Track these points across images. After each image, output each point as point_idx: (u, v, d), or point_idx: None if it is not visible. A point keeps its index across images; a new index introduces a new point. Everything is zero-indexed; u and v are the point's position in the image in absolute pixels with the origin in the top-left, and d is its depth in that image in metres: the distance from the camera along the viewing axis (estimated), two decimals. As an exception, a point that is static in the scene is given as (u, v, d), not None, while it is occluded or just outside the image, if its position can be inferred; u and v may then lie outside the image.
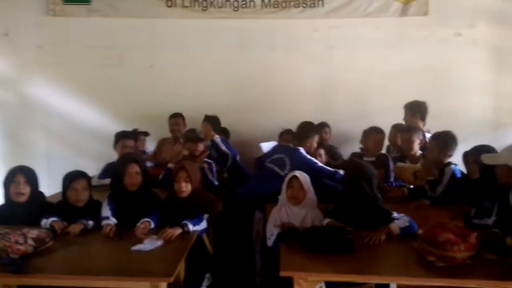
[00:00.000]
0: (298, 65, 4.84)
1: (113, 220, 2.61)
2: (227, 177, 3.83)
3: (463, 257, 2.00)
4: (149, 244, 2.32)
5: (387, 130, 3.89)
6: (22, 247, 2.07)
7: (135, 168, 2.79)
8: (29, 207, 2.69)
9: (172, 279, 1.96)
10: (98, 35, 4.84)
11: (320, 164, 3.45)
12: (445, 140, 3.09)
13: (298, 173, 2.84)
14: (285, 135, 4.36)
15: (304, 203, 2.79)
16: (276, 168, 3.37)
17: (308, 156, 3.44)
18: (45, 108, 4.89)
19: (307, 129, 3.77)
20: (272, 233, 2.65)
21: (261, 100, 4.81)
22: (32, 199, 2.73)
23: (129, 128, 4.15)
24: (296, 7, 4.76)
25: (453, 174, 3.01)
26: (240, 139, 4.80)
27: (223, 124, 4.51)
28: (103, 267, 2.10)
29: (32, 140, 4.93)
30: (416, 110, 3.92)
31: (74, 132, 4.91)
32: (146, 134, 4.30)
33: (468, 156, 2.90)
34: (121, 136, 3.84)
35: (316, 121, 4.56)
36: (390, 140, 3.99)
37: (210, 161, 3.69)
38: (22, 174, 2.70)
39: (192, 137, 3.65)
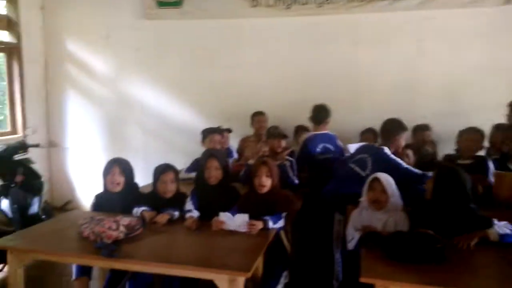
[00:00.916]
0: (385, 61, 4.61)
1: (195, 213, 2.73)
2: (307, 176, 3.78)
3: None
4: (234, 223, 2.48)
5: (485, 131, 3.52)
6: (114, 233, 2.25)
7: (214, 163, 2.89)
8: (123, 196, 2.92)
9: (249, 274, 1.99)
10: (189, 36, 5.08)
11: (406, 165, 3.24)
12: None
13: (380, 175, 2.70)
14: (366, 134, 4.20)
15: (387, 207, 2.65)
16: (357, 169, 3.23)
17: (392, 156, 3.24)
18: (142, 105, 5.27)
19: (392, 127, 3.48)
20: (352, 236, 2.56)
21: (344, 98, 4.67)
22: (126, 188, 2.97)
23: (215, 125, 4.30)
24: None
25: None
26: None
27: (305, 123, 4.47)
28: (185, 257, 2.20)
29: (130, 134, 5.35)
30: None
31: (166, 128, 5.23)
32: (229, 130, 4.43)
33: None
34: (209, 132, 4.04)
35: (403, 119, 4.34)
36: (491, 142, 3.60)
37: (291, 159, 3.68)
38: (117, 166, 2.94)
39: (275, 133, 3.69)
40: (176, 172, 2.96)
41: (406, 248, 2.04)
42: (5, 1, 4.95)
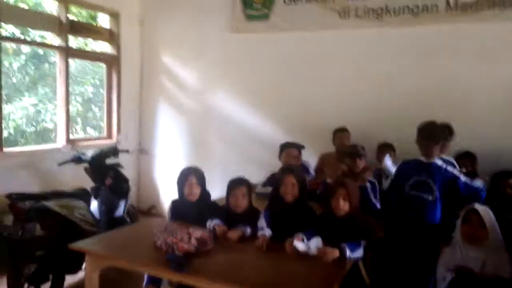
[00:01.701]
0: (486, 74, 4.11)
1: (268, 232, 2.62)
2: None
3: None
4: (306, 246, 2.35)
5: None
6: (186, 246, 2.24)
7: (292, 179, 2.77)
8: (198, 206, 2.94)
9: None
10: (274, 49, 5.05)
11: (464, 179, 2.89)
12: None
13: (478, 206, 2.36)
14: (382, 148, 4.06)
15: (486, 245, 2.30)
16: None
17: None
18: (224, 117, 5.34)
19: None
20: (444, 277, 2.25)
21: (437, 114, 4.23)
22: (201, 198, 2.98)
23: (295, 139, 4.20)
24: (490, 9, 4.05)
25: None
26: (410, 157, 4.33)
27: (391, 141, 4.18)
28: (254, 279, 2.10)
29: (212, 144, 5.46)
30: None
31: (247, 140, 5.23)
32: (302, 147, 4.26)
33: None
34: (285, 146, 3.97)
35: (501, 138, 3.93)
36: None
37: (374, 180, 3.41)
38: (194, 175, 2.97)
39: (349, 151, 3.43)
40: (248, 186, 2.90)
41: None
42: (108, 16, 5.39)
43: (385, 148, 4.12)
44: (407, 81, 4.44)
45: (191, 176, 2.97)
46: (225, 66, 5.34)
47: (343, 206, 2.60)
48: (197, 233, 2.38)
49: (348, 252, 2.34)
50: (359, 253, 2.43)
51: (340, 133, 4.37)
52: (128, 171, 4.33)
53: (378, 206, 3.27)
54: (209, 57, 5.42)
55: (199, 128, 5.55)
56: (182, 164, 5.10)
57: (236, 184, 2.85)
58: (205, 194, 3.03)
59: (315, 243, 2.38)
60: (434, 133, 3.03)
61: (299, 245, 2.37)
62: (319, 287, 2.01)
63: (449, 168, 3.01)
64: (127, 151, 4.39)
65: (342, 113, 4.65)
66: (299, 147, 4.11)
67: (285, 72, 5.02)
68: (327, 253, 2.31)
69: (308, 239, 2.47)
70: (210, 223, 2.72)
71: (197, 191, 2.94)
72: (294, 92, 4.97)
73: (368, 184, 3.30)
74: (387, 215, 3.16)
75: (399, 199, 3.14)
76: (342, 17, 4.64)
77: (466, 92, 4.21)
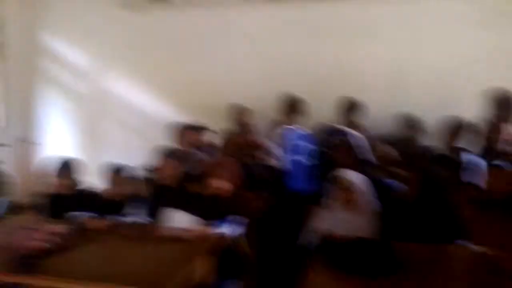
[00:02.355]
0: (377, 54, 4.25)
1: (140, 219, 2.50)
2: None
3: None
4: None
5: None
6: (35, 244, 2.02)
7: (169, 163, 2.67)
8: (77, 198, 2.73)
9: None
10: (170, 27, 4.81)
11: None
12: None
13: (348, 171, 2.41)
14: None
15: (355, 206, 2.36)
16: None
17: None
18: (122, 101, 5.00)
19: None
20: (311, 239, 2.28)
21: (326, 90, 4.33)
22: (79, 189, 2.79)
23: (193, 119, 4.09)
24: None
25: None
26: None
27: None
28: (120, 273, 1.91)
29: (108, 131, 5.10)
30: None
31: (147, 124, 4.97)
32: (204, 129, 4.14)
33: None
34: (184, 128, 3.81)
35: (386, 112, 4.01)
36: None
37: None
38: (66, 167, 2.75)
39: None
40: (126, 172, 2.73)
41: (356, 260, 1.76)
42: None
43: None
44: (304, 61, 4.44)
45: (64, 168, 2.76)
46: (118, 47, 4.99)
47: (221, 184, 2.55)
48: (52, 227, 2.16)
49: (221, 229, 2.30)
50: (235, 228, 2.41)
51: (237, 110, 4.31)
52: (10, 165, 3.93)
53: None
54: (100, 37, 5.04)
55: (93, 115, 5.19)
56: (72, 154, 4.82)
57: (112, 170, 2.69)
58: (80, 184, 2.82)
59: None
60: None
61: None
62: (182, 264, 1.93)
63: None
64: (5, 145, 3.97)
65: (238, 90, 4.56)
66: (198, 129, 3.99)
67: (186, 52, 4.80)
68: (198, 234, 2.23)
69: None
70: (80, 216, 2.53)
71: (66, 182, 2.71)
72: (191, 72, 4.80)
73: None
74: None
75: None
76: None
77: (357, 70, 4.30)
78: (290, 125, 3.65)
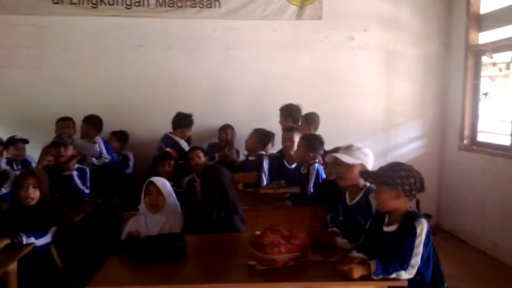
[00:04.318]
0: (196, 66, 4.73)
1: None
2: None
3: (284, 259, 1.95)
4: None
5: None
6: None
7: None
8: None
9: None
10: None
11: None
12: (312, 141, 3.13)
13: (155, 178, 2.72)
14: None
15: (165, 209, 2.67)
16: None
17: None
18: None
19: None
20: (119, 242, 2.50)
21: (158, 102, 4.66)
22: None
23: (13, 133, 3.95)
24: (192, 7, 4.64)
25: (317, 172, 3.04)
26: (138, 140, 4.64)
27: (119, 126, 4.43)
28: None
29: None
30: (288, 113, 3.98)
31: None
32: (25, 141, 3.99)
33: (325, 157, 2.91)
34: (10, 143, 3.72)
35: (213, 123, 4.58)
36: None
37: (84, 167, 3.49)
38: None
39: (56, 142, 3.41)
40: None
41: (147, 249, 2.07)
42: None
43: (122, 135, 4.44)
44: (128, 69, 4.66)
45: None
46: None
47: (34, 194, 2.59)
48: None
49: (24, 239, 2.35)
50: (46, 239, 2.48)
51: (62, 122, 4.26)
52: None
53: (87, 191, 3.37)
54: None
55: None
56: None
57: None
58: None
59: None
60: None
61: None
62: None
63: None
64: None
65: (65, 102, 4.53)
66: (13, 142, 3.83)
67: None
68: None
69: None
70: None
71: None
72: (10, 82, 4.55)
73: (74, 172, 3.34)
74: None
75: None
76: (56, 2, 4.49)
77: (179, 81, 4.72)
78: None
